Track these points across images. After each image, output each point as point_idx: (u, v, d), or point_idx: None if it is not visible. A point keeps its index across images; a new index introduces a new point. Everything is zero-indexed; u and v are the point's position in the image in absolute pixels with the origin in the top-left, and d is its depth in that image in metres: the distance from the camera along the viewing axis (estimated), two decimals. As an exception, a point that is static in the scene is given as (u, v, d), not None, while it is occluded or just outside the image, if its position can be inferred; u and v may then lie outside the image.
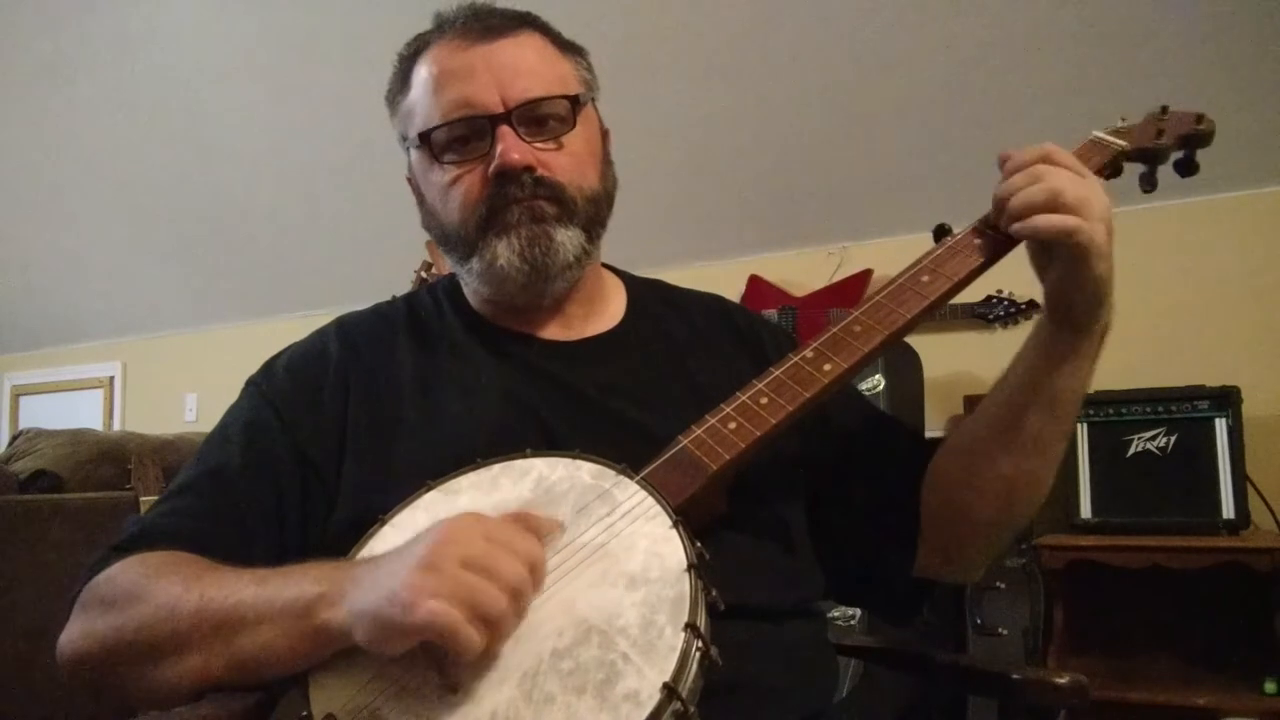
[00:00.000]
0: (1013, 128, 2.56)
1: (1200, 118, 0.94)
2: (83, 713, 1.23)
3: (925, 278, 0.86)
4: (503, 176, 0.88)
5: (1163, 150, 0.94)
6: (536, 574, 0.67)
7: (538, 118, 0.91)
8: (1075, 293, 0.82)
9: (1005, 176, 0.85)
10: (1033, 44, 2.56)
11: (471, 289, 0.99)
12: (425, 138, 0.91)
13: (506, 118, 0.89)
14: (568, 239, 0.91)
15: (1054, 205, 0.80)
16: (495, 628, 0.63)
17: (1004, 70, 2.62)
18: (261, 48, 3.34)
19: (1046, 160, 0.83)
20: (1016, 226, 0.82)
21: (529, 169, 0.88)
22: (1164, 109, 0.96)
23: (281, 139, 3.57)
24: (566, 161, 0.91)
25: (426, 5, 0.96)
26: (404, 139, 0.96)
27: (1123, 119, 0.98)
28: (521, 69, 0.90)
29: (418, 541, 0.66)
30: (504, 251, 0.90)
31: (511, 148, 0.88)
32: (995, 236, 0.86)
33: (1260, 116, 2.46)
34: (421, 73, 0.93)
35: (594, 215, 0.94)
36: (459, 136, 0.90)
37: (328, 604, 0.67)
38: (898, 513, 0.94)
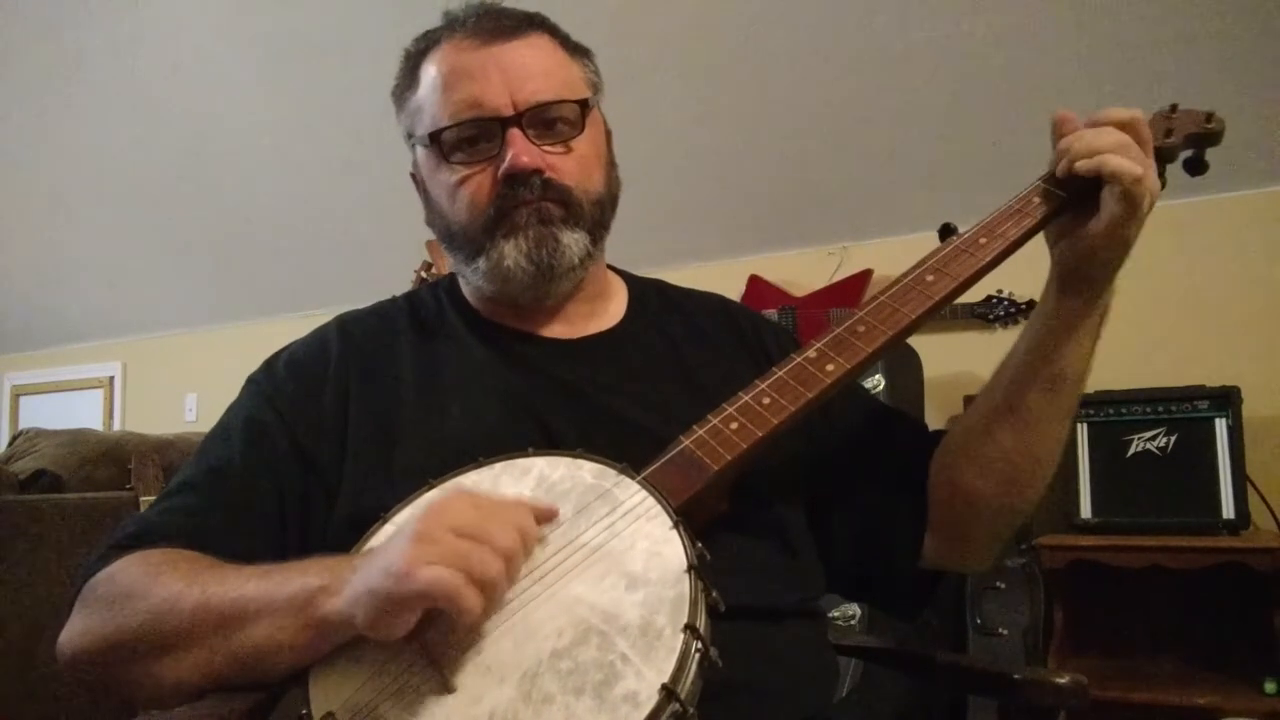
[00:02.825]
0: (1015, 128, 2.56)
1: (1210, 116, 0.93)
2: (83, 713, 1.23)
3: (930, 277, 0.85)
4: (512, 179, 0.89)
5: (1171, 149, 0.92)
6: (526, 540, 0.68)
7: (547, 121, 0.91)
8: (1100, 251, 0.82)
9: (1067, 132, 0.84)
10: (1035, 44, 2.55)
11: (473, 287, 0.98)
12: (435, 137, 0.91)
13: (516, 120, 0.89)
14: (574, 241, 0.91)
15: (1125, 152, 0.80)
16: (490, 591, 0.64)
17: (1006, 70, 2.62)
18: (262, 47, 3.33)
19: (1131, 125, 0.83)
20: (1086, 163, 0.81)
21: (538, 172, 0.89)
22: (1173, 107, 0.94)
23: (281, 139, 3.56)
24: (574, 165, 0.92)
25: (427, 5, 0.96)
26: (410, 136, 0.96)
27: None
28: (532, 71, 0.91)
29: (410, 521, 0.67)
30: (511, 252, 0.90)
31: (522, 151, 0.88)
32: (1011, 228, 0.85)
33: (1261, 117, 2.45)
34: (430, 70, 0.93)
35: (599, 218, 0.94)
36: (468, 137, 0.91)
37: (329, 594, 0.67)
38: (904, 505, 0.94)
